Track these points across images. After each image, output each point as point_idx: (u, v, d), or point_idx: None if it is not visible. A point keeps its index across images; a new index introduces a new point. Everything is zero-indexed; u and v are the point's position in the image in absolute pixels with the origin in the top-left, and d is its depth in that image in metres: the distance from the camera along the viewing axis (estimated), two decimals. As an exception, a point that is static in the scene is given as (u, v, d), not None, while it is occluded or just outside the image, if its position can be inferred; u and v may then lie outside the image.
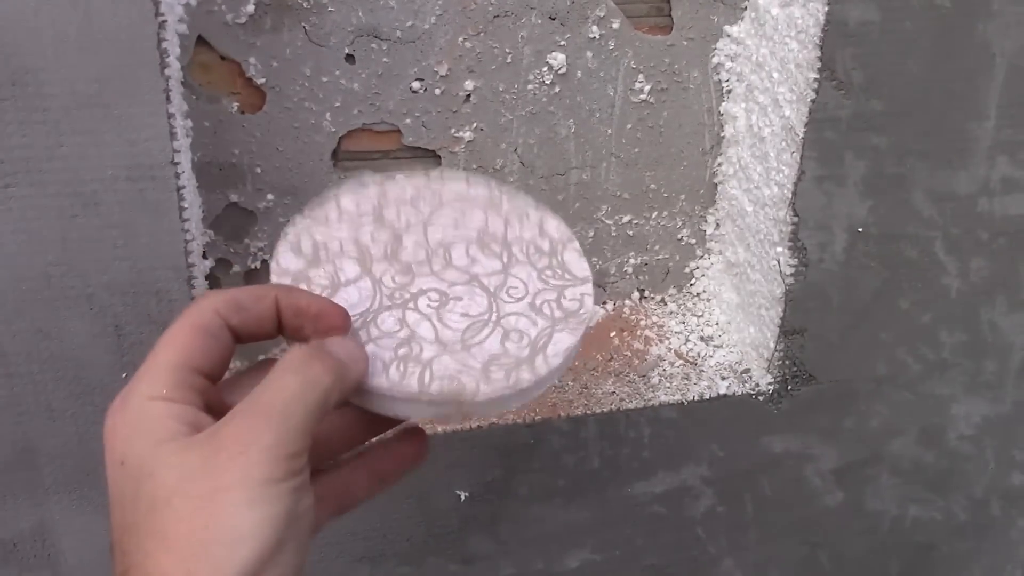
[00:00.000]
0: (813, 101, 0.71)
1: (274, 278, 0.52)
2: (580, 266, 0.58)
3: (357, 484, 0.51)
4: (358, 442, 0.52)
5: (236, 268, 0.79)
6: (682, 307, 0.90)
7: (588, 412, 0.79)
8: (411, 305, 0.53)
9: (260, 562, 0.39)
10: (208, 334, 0.45)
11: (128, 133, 0.61)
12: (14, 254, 0.62)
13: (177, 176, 0.63)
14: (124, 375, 0.67)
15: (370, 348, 0.50)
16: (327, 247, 0.55)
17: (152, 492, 0.40)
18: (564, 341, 0.52)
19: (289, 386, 0.42)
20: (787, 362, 0.80)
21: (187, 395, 0.43)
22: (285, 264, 0.53)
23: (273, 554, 0.39)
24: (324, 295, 0.51)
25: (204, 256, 0.74)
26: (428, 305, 0.53)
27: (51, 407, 0.67)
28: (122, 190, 0.62)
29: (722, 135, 0.84)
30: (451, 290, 0.54)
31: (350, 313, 0.50)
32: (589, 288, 0.56)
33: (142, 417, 0.42)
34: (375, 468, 0.51)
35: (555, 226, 0.59)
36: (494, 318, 0.53)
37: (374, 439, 0.53)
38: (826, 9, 0.68)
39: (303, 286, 0.52)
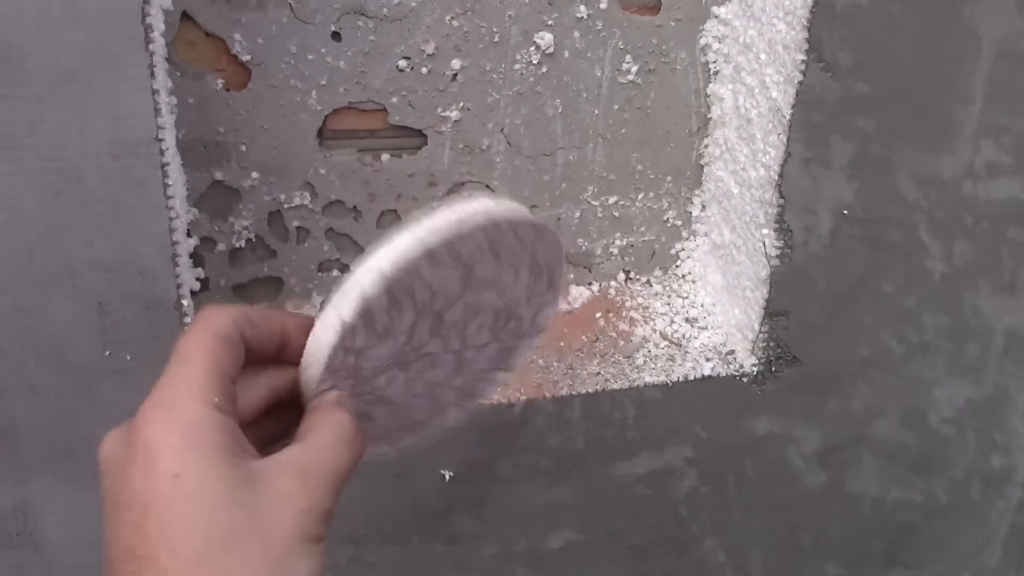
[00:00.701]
0: (800, 83, 0.71)
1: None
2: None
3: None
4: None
5: (221, 247, 0.79)
6: (668, 288, 0.90)
7: (573, 393, 0.79)
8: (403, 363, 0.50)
9: None
10: (231, 344, 0.43)
11: (112, 109, 0.60)
12: (-3, 231, 0.61)
13: (162, 153, 0.62)
14: (107, 352, 0.67)
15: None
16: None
17: (192, 521, 0.37)
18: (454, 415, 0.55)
19: (341, 460, 0.42)
20: (771, 344, 0.80)
21: (232, 407, 0.41)
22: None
23: None
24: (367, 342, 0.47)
25: (188, 234, 0.73)
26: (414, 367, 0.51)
27: (33, 384, 0.66)
28: (106, 166, 0.62)
29: (709, 116, 0.84)
30: (439, 358, 0.52)
31: (370, 364, 0.48)
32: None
33: (198, 429, 0.39)
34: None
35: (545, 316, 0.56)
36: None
37: None
38: (814, -9, 0.68)
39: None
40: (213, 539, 0.37)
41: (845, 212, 0.77)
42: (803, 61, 0.70)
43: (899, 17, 0.70)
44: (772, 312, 0.79)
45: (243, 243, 0.79)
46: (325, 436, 0.43)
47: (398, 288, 0.46)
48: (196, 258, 0.77)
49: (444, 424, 0.54)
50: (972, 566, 1.00)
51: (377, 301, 0.46)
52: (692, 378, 0.81)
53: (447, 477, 0.78)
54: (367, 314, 0.46)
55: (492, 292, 0.51)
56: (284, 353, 0.47)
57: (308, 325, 0.46)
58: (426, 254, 0.46)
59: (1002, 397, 0.89)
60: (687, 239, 0.90)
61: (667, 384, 0.80)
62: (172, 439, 0.39)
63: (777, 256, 0.77)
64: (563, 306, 0.88)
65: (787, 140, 0.73)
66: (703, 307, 0.88)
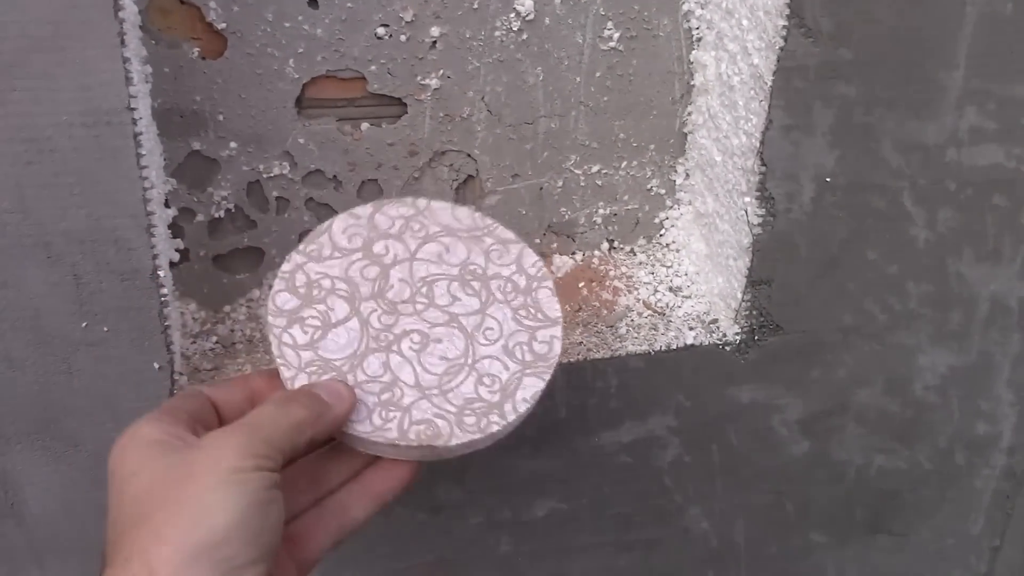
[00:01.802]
0: (782, 49, 0.70)
1: (270, 318, 0.59)
2: (552, 307, 0.63)
3: (356, 505, 0.56)
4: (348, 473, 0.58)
5: (200, 217, 0.78)
6: (651, 258, 0.90)
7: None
8: (395, 348, 0.59)
9: (224, 534, 0.44)
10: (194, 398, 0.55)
11: (82, 77, 0.59)
12: (-32, 202, 0.61)
13: (134, 122, 0.62)
14: (84, 324, 0.66)
15: (356, 392, 0.56)
16: (320, 284, 0.60)
17: (137, 487, 0.47)
18: (532, 386, 0.59)
19: (265, 410, 0.51)
20: (754, 312, 0.80)
21: (177, 416, 0.51)
22: (281, 304, 0.59)
23: (237, 531, 0.44)
24: (316, 336, 0.58)
25: (167, 205, 0.73)
26: (410, 348, 0.59)
27: (10, 357, 0.66)
28: (78, 136, 0.61)
29: (692, 84, 0.84)
30: (432, 332, 0.60)
31: (339, 355, 0.57)
32: (559, 331, 0.62)
33: (135, 434, 0.50)
34: (372, 490, 0.57)
35: (532, 263, 0.65)
36: (470, 361, 0.59)
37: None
38: (794, -45, 0.67)
39: (296, 327, 0.59)
40: (139, 498, 0.46)
41: (828, 179, 0.76)
42: (784, 27, 0.69)
43: (882, -19, 0.70)
44: (755, 280, 0.79)
45: (222, 213, 0.79)
46: (262, 406, 0.52)
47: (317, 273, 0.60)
48: (175, 229, 0.77)
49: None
50: (956, 533, 1.00)
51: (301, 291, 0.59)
52: (675, 347, 0.81)
53: (429, 447, 0.78)
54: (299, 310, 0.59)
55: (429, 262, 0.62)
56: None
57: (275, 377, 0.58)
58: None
59: (986, 364, 0.89)
60: (671, 208, 0.90)
61: (650, 353, 0.80)
62: (118, 450, 0.50)
63: (759, 224, 0.76)
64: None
65: (768, 107, 0.72)
66: (687, 276, 0.88)
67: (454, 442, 0.56)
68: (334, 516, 0.56)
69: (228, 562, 0.44)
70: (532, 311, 0.62)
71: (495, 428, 0.57)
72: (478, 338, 0.60)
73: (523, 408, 0.58)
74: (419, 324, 0.60)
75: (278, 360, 0.58)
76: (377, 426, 0.56)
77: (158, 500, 0.45)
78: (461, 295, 0.62)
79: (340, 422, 0.55)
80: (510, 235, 0.65)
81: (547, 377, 0.60)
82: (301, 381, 0.57)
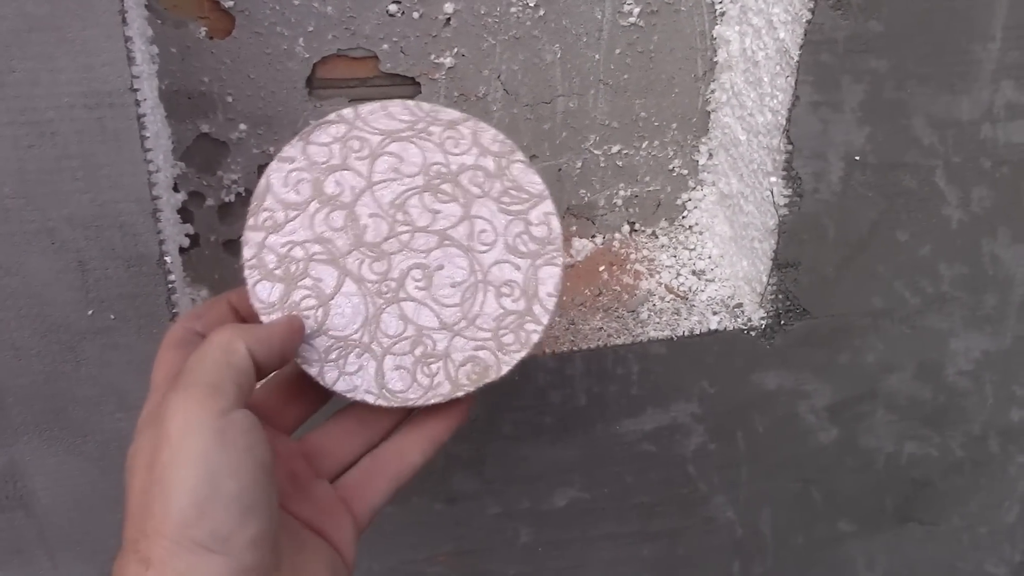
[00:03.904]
0: (809, 22, 0.67)
1: (263, 318, 0.54)
2: (532, 180, 0.58)
3: (412, 450, 0.55)
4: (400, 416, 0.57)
5: (210, 201, 0.76)
6: (673, 240, 0.87)
7: (575, 348, 0.76)
8: (402, 295, 0.55)
9: (196, 511, 0.42)
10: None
11: (83, 58, 0.58)
12: (-31, 187, 0.59)
13: (137, 104, 0.60)
14: (90, 312, 0.65)
15: (390, 362, 0.54)
16: (293, 257, 0.55)
17: (133, 468, 0.46)
18: (551, 276, 0.56)
19: (203, 350, 0.47)
20: (780, 296, 0.78)
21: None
22: (265, 296, 0.54)
23: (208, 504, 0.42)
24: (320, 316, 0.54)
25: (176, 189, 0.71)
26: (417, 288, 0.55)
27: (16, 346, 0.65)
28: (80, 118, 0.59)
29: (715, 60, 0.81)
30: (430, 260, 0.55)
31: (352, 327, 0.54)
32: (550, 204, 0.57)
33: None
34: (427, 432, 0.55)
35: (491, 137, 0.58)
36: (480, 277, 0.55)
37: None
38: (823, -78, 0.64)
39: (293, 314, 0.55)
40: (141, 467, 0.45)
41: (857, 158, 0.73)
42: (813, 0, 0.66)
43: (914, -51, 0.67)
44: (781, 263, 0.76)
45: (233, 197, 0.77)
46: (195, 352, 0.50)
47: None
48: (184, 214, 0.75)
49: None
50: (990, 522, 0.97)
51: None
52: (698, 332, 0.78)
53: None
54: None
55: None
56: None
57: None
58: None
59: (1021, 349, 0.86)
60: (694, 189, 0.87)
61: (672, 339, 0.78)
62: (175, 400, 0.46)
63: (786, 205, 0.74)
64: (566, 259, 0.85)
65: (795, 83, 0.69)
66: (710, 259, 0.85)
67: (505, 370, 0.54)
68: (390, 463, 0.54)
69: (211, 535, 0.42)
70: (514, 193, 0.57)
71: (536, 337, 0.55)
72: (476, 247, 0.56)
73: (551, 304, 0.55)
74: (413, 258, 0.55)
75: (298, 361, 0.54)
76: (426, 386, 0.54)
77: (142, 485, 0.44)
78: (438, 206, 0.56)
79: (286, 353, 0.52)
80: (455, 114, 0.58)
81: (560, 261, 0.56)
82: (330, 376, 0.54)
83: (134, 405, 0.69)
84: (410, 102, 0.58)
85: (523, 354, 0.55)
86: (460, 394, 0.54)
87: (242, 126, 0.74)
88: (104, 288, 0.65)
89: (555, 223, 0.57)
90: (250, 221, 0.56)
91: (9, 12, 0.55)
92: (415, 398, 0.54)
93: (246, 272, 0.55)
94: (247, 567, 0.43)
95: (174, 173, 0.72)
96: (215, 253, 0.78)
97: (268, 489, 0.45)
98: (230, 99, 0.73)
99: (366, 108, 0.58)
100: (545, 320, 0.55)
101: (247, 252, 0.55)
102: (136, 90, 0.59)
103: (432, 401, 0.54)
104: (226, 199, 0.76)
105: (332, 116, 0.57)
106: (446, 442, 0.56)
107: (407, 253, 0.55)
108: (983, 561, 1.00)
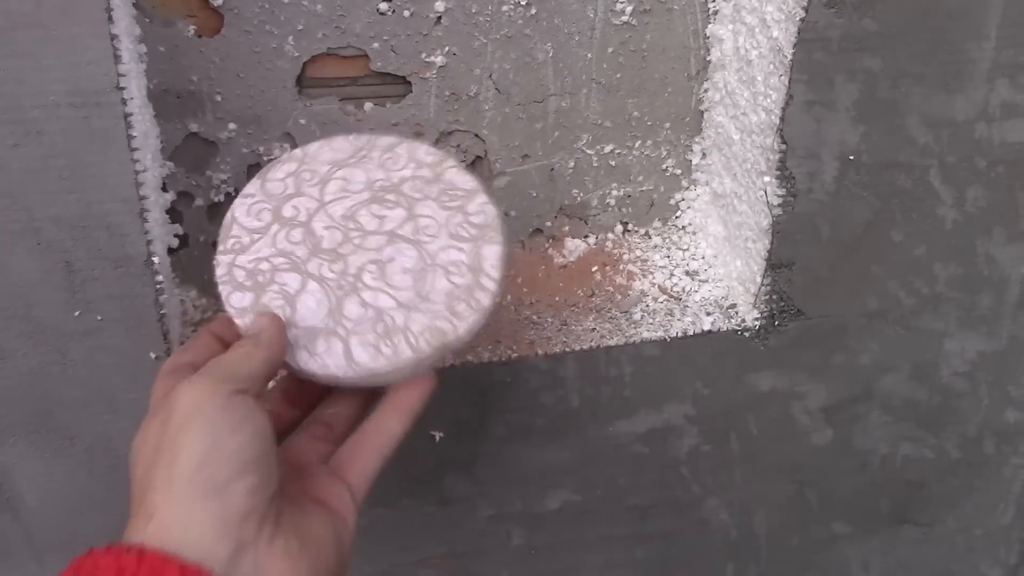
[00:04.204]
0: (802, 20, 0.67)
1: (238, 322, 0.59)
2: (465, 180, 0.64)
3: (391, 422, 0.59)
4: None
5: (199, 201, 0.76)
6: (667, 240, 0.87)
7: (567, 349, 0.76)
8: (359, 285, 0.60)
9: (199, 459, 0.47)
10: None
11: (69, 56, 0.57)
12: (-48, 186, 0.59)
13: (124, 102, 0.59)
14: (77, 313, 0.64)
15: (355, 340, 0.58)
16: (259, 270, 0.60)
17: (139, 452, 0.51)
18: (492, 253, 0.61)
19: (227, 356, 0.54)
20: (774, 297, 0.77)
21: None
22: (238, 303, 0.59)
23: (211, 454, 0.47)
24: (285, 311, 0.59)
25: (164, 189, 0.71)
26: (373, 279, 0.60)
27: (2, 347, 0.64)
28: (65, 117, 0.59)
29: (708, 59, 0.80)
30: (382, 255, 0.61)
31: (318, 318, 0.59)
32: (483, 196, 0.63)
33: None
34: (402, 405, 0.60)
35: (424, 151, 0.65)
36: (429, 262, 0.61)
37: None
38: (816, -80, 0.63)
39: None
40: (150, 446, 0.50)
41: (851, 157, 0.73)
42: (806, -3, 0.66)
43: (908, -54, 0.66)
44: (775, 264, 0.76)
45: (222, 197, 0.76)
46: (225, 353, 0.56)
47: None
48: (174, 214, 0.74)
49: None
50: (985, 523, 0.97)
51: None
52: (692, 333, 0.78)
53: (437, 438, 0.76)
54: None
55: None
56: None
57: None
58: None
59: (1017, 349, 0.86)
60: (687, 188, 0.86)
61: (665, 340, 0.78)
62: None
63: (779, 205, 0.73)
64: (558, 260, 0.85)
65: (789, 82, 0.69)
66: (704, 259, 0.85)
67: (462, 330, 0.58)
68: (375, 435, 0.58)
69: (210, 481, 0.46)
70: (451, 192, 0.63)
71: (486, 302, 0.60)
72: (422, 239, 0.61)
73: (496, 274, 0.61)
74: (367, 255, 0.61)
75: None
76: (390, 356, 0.57)
77: (148, 461, 0.49)
78: (385, 212, 0.62)
79: (276, 344, 0.57)
80: (392, 139, 0.66)
81: (499, 240, 0.62)
82: (303, 359, 0.58)
83: (122, 407, 0.68)
84: (351, 136, 0.66)
85: (476, 317, 0.59)
86: (421, 357, 0.58)
87: (231, 125, 0.74)
88: (91, 289, 0.64)
89: (491, 210, 0.62)
90: (220, 247, 0.62)
91: (-5, 9, 0.55)
92: (382, 367, 0.57)
93: (220, 287, 0.60)
94: (242, 512, 0.46)
95: (163, 173, 0.71)
96: (204, 253, 0.77)
97: (267, 448, 0.50)
98: (219, 98, 0.73)
99: (313, 146, 0.66)
100: (492, 287, 0.60)
101: (219, 271, 0.61)
102: (122, 89, 0.59)
103: (396, 366, 0.58)
104: (215, 199, 0.76)
105: (284, 156, 0.65)
106: (420, 411, 0.61)
107: (361, 253, 0.61)
108: (978, 563, 1.00)
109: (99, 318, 0.65)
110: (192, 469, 0.46)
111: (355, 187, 0.63)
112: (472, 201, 0.63)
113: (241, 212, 0.63)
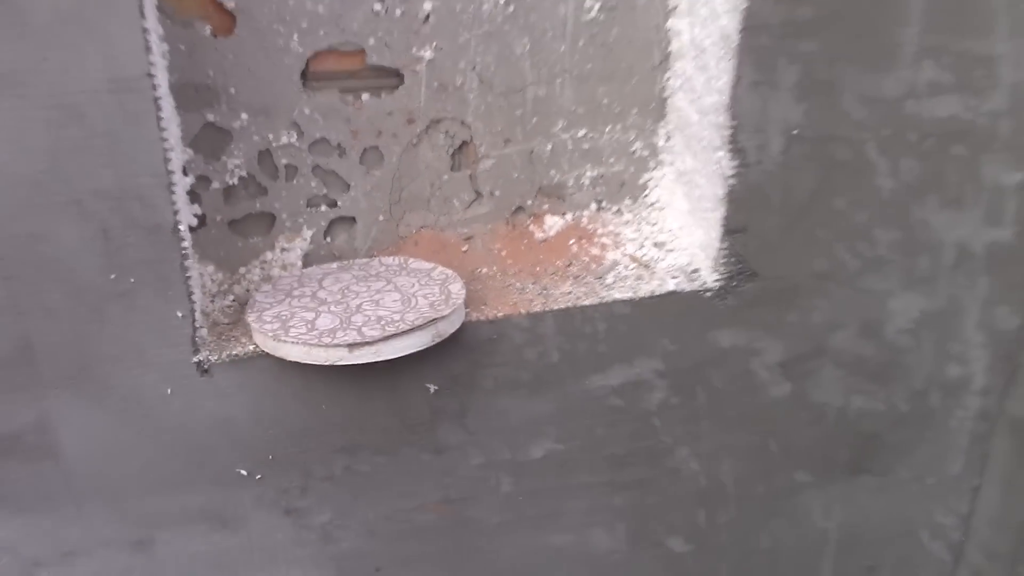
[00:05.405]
0: (746, 9, 0.76)
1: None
2: (425, 264, 0.88)
3: None
4: None
5: (215, 184, 0.85)
6: (637, 216, 0.96)
7: (546, 309, 0.85)
8: (360, 309, 0.80)
9: None
10: None
11: (106, 48, 0.66)
12: (6, 163, 0.68)
13: (154, 88, 0.68)
14: (112, 276, 0.73)
15: (366, 329, 0.77)
16: (281, 315, 0.80)
17: None
18: (457, 286, 0.83)
19: None
20: (731, 259, 0.86)
21: None
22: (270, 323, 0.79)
23: None
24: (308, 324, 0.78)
25: (185, 173, 0.79)
26: (369, 306, 0.80)
27: (46, 306, 0.73)
28: (104, 102, 0.68)
29: (669, 50, 0.90)
30: (373, 297, 0.82)
31: (333, 326, 0.77)
32: (440, 268, 0.87)
33: None
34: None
35: (390, 260, 0.89)
36: (410, 297, 0.82)
37: None
38: (753, -79, 0.73)
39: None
40: None
41: (795, 132, 0.82)
42: (747, -12, 0.75)
43: (836, -56, 0.75)
44: (730, 229, 0.84)
45: (236, 181, 0.85)
46: None
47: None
48: (193, 196, 0.83)
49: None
50: (937, 473, 1.05)
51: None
52: (658, 294, 0.87)
53: (432, 390, 0.85)
54: None
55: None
56: None
57: None
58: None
59: (955, 308, 0.95)
60: (654, 169, 0.96)
61: (635, 300, 0.86)
62: None
63: (732, 176, 0.82)
64: (539, 235, 0.93)
65: (736, 65, 0.78)
66: (670, 232, 0.94)
67: (447, 311, 0.79)
68: None
69: None
70: (417, 269, 0.87)
71: (459, 299, 0.80)
72: (402, 287, 0.83)
73: (462, 292, 0.82)
74: (361, 298, 0.82)
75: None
76: (396, 326, 0.77)
77: None
78: (371, 283, 0.85)
79: None
80: (363, 259, 0.90)
81: (460, 283, 0.83)
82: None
83: (152, 361, 0.77)
84: (333, 263, 0.89)
85: (460, 303, 0.80)
86: (436, 316, 0.78)
87: (244, 115, 0.83)
88: (125, 254, 0.73)
89: (449, 271, 0.86)
90: (248, 314, 0.80)
91: (42, 7, 0.64)
92: (387, 334, 0.77)
93: (252, 323, 0.79)
94: None
95: (184, 158, 0.80)
96: (221, 232, 0.86)
97: None
98: (233, 91, 0.81)
99: (308, 269, 0.88)
100: (460, 299, 0.81)
101: (251, 317, 0.79)
102: (153, 76, 0.68)
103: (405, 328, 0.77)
104: (230, 182, 0.85)
105: (285, 275, 0.87)
106: None
107: (357, 298, 0.82)
108: (932, 511, 1.08)
109: (132, 280, 0.74)
110: None
111: (344, 277, 0.86)
112: (434, 271, 0.86)
113: (261, 298, 0.82)
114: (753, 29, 0.77)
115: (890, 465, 1.03)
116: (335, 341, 0.75)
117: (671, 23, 0.88)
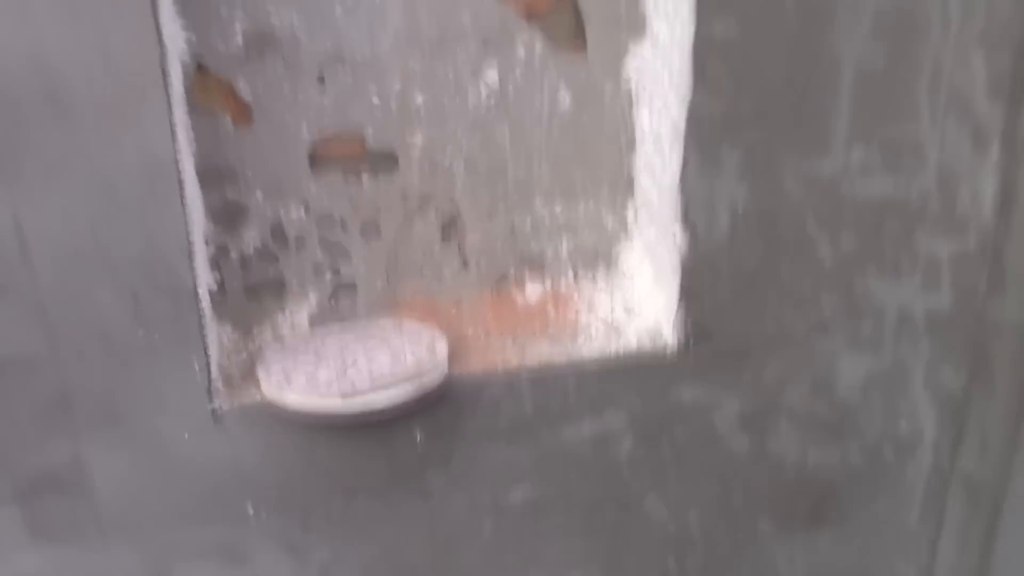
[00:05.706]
0: (691, 102, 0.87)
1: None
2: (416, 325, 0.99)
3: None
4: None
5: (233, 254, 0.96)
6: (610, 284, 1.06)
7: (522, 365, 0.95)
8: (355, 363, 0.93)
9: None
10: None
11: (139, 136, 0.78)
12: (56, 234, 0.80)
13: (179, 171, 0.80)
14: (140, 333, 0.84)
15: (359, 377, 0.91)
16: (286, 368, 0.92)
17: None
18: (441, 345, 0.95)
19: None
20: (688, 322, 0.96)
21: None
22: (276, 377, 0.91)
23: None
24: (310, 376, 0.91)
25: (207, 243, 0.91)
26: (363, 360, 0.93)
27: (84, 358, 0.84)
28: (137, 183, 0.80)
29: (634, 136, 1.01)
30: (367, 355, 0.94)
31: (332, 375, 0.91)
32: (428, 329, 0.98)
33: None
34: None
35: (384, 322, 1.01)
36: (399, 354, 0.94)
37: None
38: (693, 28, 0.84)
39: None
40: None
41: (740, 210, 0.92)
42: (691, 85, 0.86)
43: (768, 45, 0.87)
44: (686, 295, 0.95)
45: (251, 251, 0.97)
46: None
47: None
48: (214, 264, 0.95)
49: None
50: (894, 525, 1.12)
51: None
52: (624, 353, 0.97)
53: (419, 438, 0.95)
54: None
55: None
56: None
57: None
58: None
59: (900, 368, 1.03)
60: (624, 241, 1.06)
61: (603, 358, 0.96)
62: None
63: (686, 248, 0.93)
64: (520, 300, 1.04)
65: (683, 149, 0.89)
66: (638, 298, 1.04)
67: (433, 369, 0.92)
68: None
69: None
70: (408, 329, 0.99)
71: (442, 356, 0.93)
72: (392, 344, 0.95)
73: (445, 350, 0.94)
74: (355, 354, 0.94)
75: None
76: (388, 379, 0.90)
77: None
78: (366, 341, 0.96)
79: None
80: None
81: (445, 342, 0.95)
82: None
83: (172, 409, 0.88)
84: (335, 325, 1.01)
85: (443, 361, 0.93)
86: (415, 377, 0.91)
87: (259, 194, 0.94)
88: (152, 314, 0.84)
89: (435, 331, 0.97)
90: (257, 371, 0.92)
91: (88, 102, 0.76)
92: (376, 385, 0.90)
93: (261, 378, 0.91)
94: None
95: (205, 230, 0.92)
96: (237, 297, 0.97)
97: None
98: (249, 173, 0.94)
99: (313, 329, 1.00)
100: (444, 352, 0.94)
101: (259, 370, 0.92)
102: (178, 161, 0.80)
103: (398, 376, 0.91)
104: (246, 252, 0.96)
105: (293, 334, 0.99)
106: None
107: (353, 356, 0.94)
108: (893, 562, 1.15)
109: (157, 336, 0.85)
110: None
111: (344, 337, 0.97)
112: (423, 332, 0.97)
113: (270, 353, 0.94)
114: (697, 120, 0.88)
115: (849, 517, 1.11)
116: (331, 391, 0.86)
117: (635, 112, 0.99)
